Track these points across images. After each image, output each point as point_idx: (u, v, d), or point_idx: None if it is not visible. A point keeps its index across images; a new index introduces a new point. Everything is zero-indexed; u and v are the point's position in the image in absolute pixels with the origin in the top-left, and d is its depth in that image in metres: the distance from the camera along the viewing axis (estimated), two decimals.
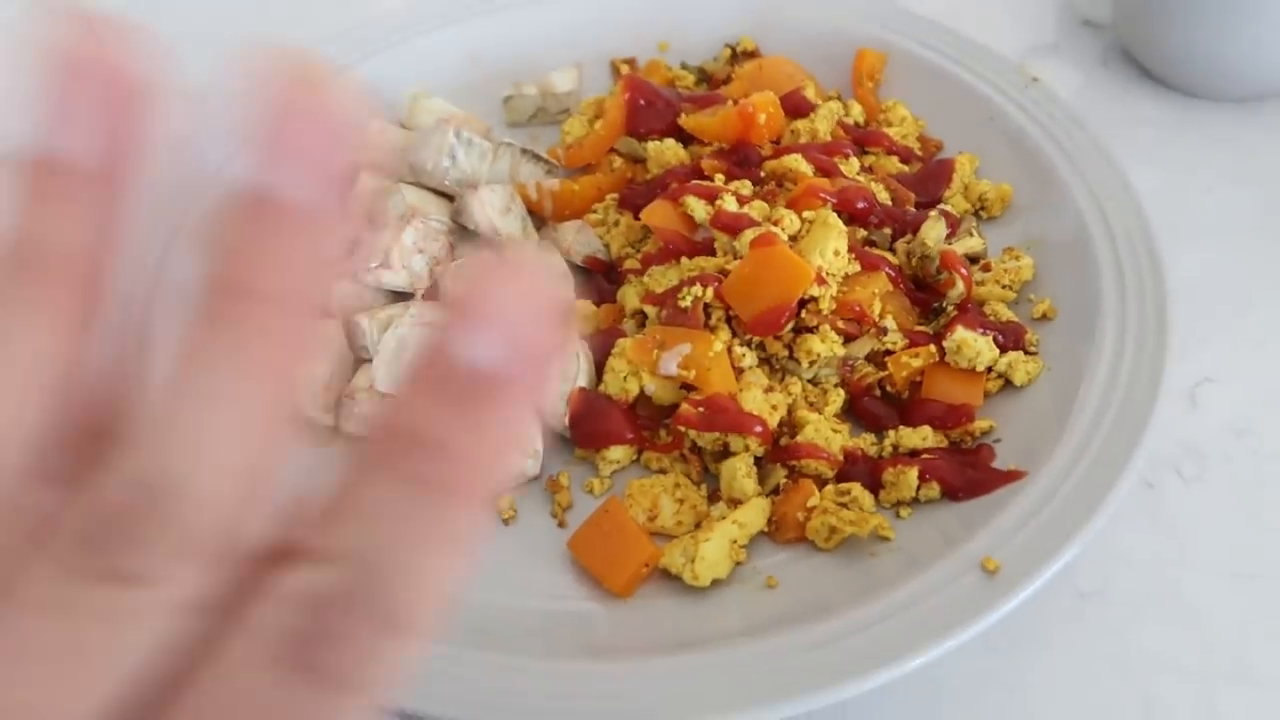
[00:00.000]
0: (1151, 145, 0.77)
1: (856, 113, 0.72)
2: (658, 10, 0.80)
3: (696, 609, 0.51)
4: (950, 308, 0.60)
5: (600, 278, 0.66)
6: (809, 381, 0.58)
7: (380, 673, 0.18)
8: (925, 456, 0.55)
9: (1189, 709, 0.49)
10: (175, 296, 0.65)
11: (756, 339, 0.57)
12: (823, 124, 0.69)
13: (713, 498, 0.55)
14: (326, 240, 0.19)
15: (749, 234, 0.57)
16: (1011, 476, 0.52)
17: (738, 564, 0.52)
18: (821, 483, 0.55)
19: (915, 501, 0.54)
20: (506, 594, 0.52)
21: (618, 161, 0.71)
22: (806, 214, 0.59)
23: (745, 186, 0.62)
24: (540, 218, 0.69)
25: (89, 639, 0.17)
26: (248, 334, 0.18)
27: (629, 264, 0.64)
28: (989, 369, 0.58)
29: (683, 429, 0.54)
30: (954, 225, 0.62)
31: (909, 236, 0.62)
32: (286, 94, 0.18)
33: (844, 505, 0.53)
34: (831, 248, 0.57)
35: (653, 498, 0.55)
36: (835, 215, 0.58)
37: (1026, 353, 0.59)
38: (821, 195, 0.59)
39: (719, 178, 0.63)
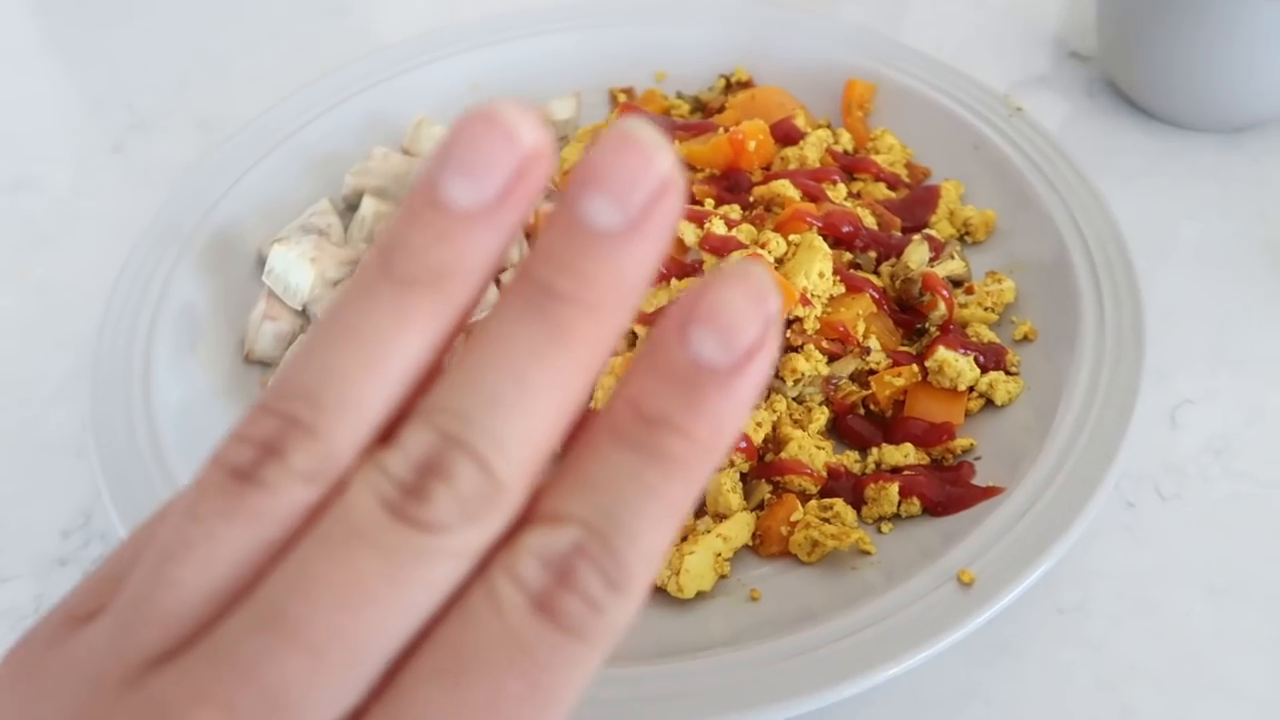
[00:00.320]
0: (1136, 174, 0.79)
1: (846, 140, 0.74)
2: (655, 41, 0.82)
3: (682, 620, 0.52)
4: (933, 329, 0.61)
5: None
6: (794, 399, 0.60)
7: (607, 628, 0.20)
8: (907, 473, 0.56)
9: None
10: (179, 316, 0.66)
11: None
12: (812, 151, 0.71)
13: (699, 512, 0.57)
14: (640, 263, 0.21)
15: (736, 256, 0.58)
16: (990, 492, 0.53)
17: (722, 577, 0.53)
18: (805, 498, 0.56)
19: (896, 517, 0.55)
20: None
21: None
22: (793, 237, 0.61)
23: (735, 211, 0.64)
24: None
25: (403, 575, 0.19)
26: (573, 336, 0.21)
27: None
28: (971, 388, 0.59)
29: None
30: (937, 249, 0.64)
31: (893, 260, 0.63)
32: (611, 139, 0.21)
33: (827, 520, 0.54)
34: (816, 270, 0.58)
35: None
36: (821, 239, 0.60)
37: (1008, 373, 0.60)
38: (808, 219, 0.61)
39: (709, 202, 0.65)
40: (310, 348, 0.21)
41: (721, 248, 0.60)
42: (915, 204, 0.70)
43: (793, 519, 0.54)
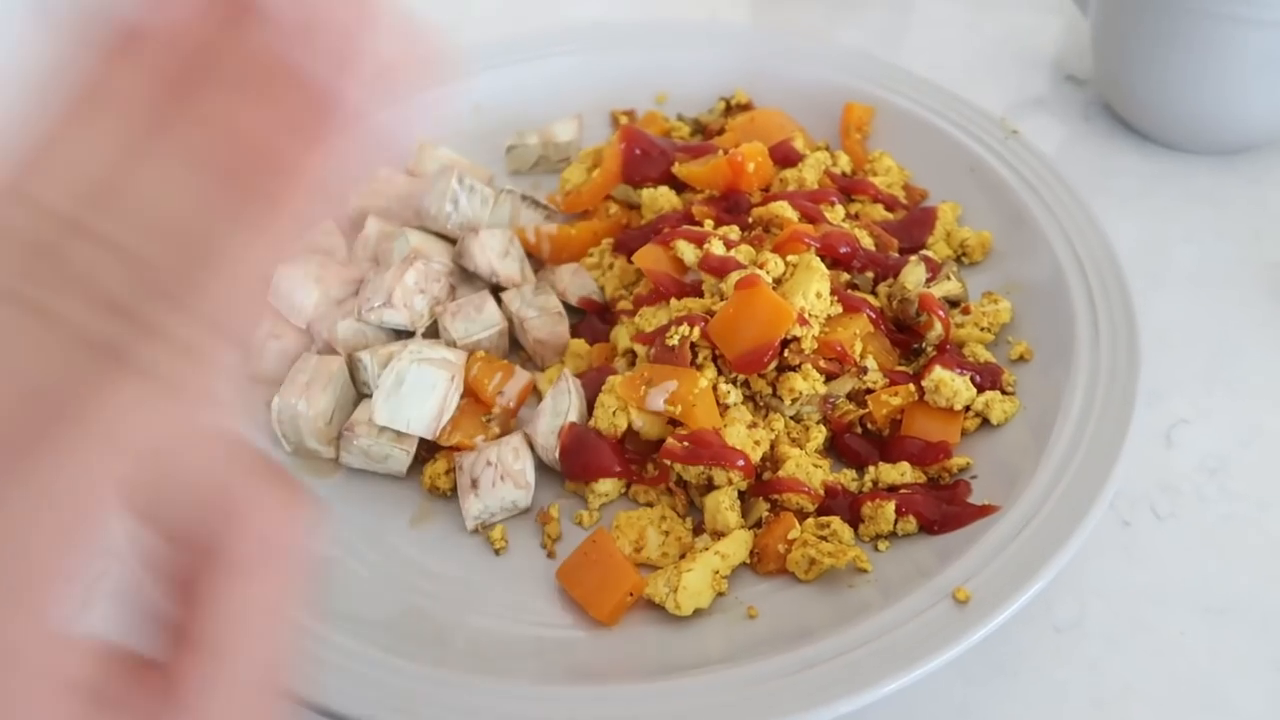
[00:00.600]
0: (1132, 196, 0.80)
1: (844, 162, 0.75)
2: (656, 64, 0.83)
3: (679, 637, 0.52)
4: (929, 348, 0.62)
5: (594, 318, 0.68)
6: (791, 418, 0.60)
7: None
8: (903, 492, 0.57)
9: None
10: None
11: (741, 377, 0.59)
12: (810, 173, 0.71)
13: (698, 530, 0.57)
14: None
15: (734, 276, 0.59)
16: (985, 511, 0.54)
17: (719, 594, 0.54)
18: (803, 516, 0.56)
19: (893, 535, 0.56)
20: (499, 620, 0.54)
21: (614, 208, 0.74)
22: (791, 258, 0.61)
23: (733, 231, 0.65)
24: (538, 260, 0.72)
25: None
26: None
27: (622, 305, 0.67)
28: (967, 408, 0.60)
29: (669, 462, 0.56)
30: (934, 270, 0.64)
31: (890, 280, 0.64)
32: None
33: (824, 538, 0.54)
34: (814, 290, 0.59)
35: (639, 529, 0.56)
36: (818, 259, 0.61)
37: (1004, 392, 0.61)
38: (805, 240, 0.62)
39: (708, 223, 0.66)
40: None
41: (720, 268, 0.60)
42: (912, 225, 0.71)
43: (790, 537, 0.54)
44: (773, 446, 0.58)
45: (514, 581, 0.56)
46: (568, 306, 0.68)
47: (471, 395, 0.62)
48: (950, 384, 0.59)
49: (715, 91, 0.83)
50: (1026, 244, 0.67)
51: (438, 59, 0.28)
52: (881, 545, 0.55)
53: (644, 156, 0.74)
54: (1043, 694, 0.52)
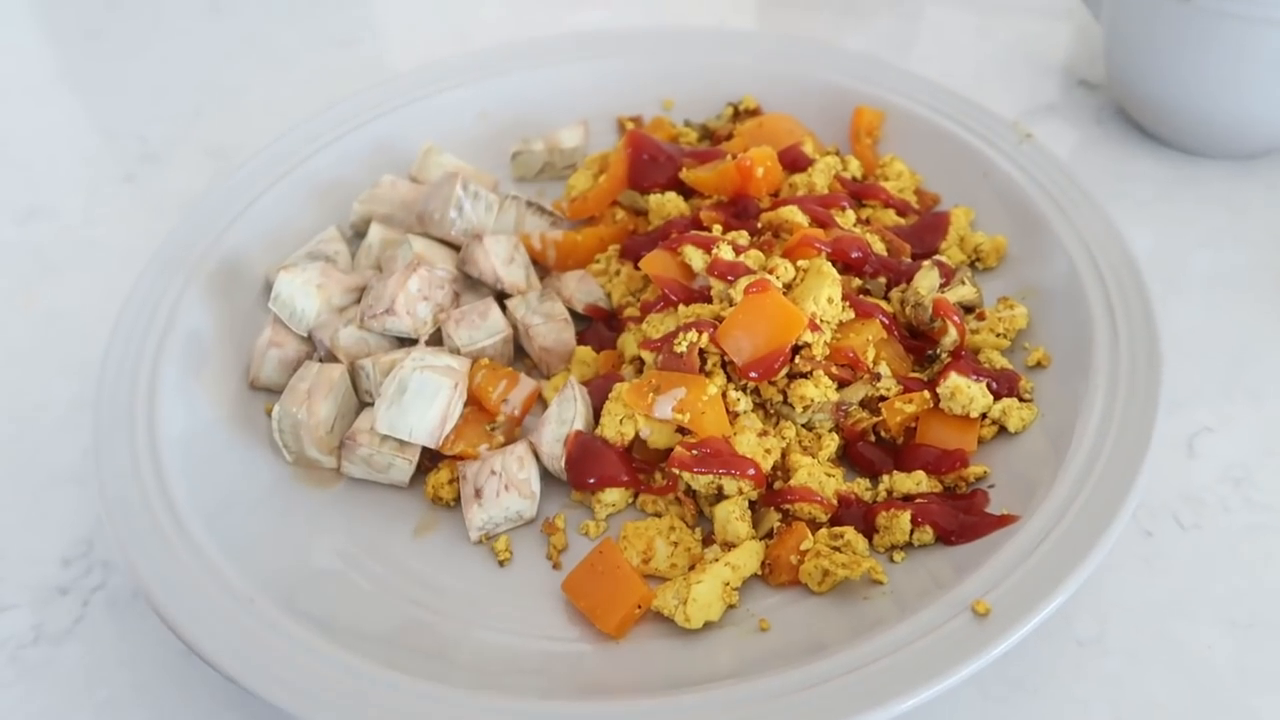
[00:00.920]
0: (1147, 201, 0.78)
1: (854, 167, 0.74)
2: (663, 70, 0.83)
3: (689, 651, 0.51)
4: (944, 355, 0.61)
5: (601, 325, 0.67)
6: (803, 426, 0.59)
7: None
8: (919, 501, 0.55)
9: None
10: (184, 342, 0.67)
11: (751, 384, 0.58)
12: (820, 178, 0.70)
13: (707, 541, 0.56)
14: None
15: (744, 281, 0.58)
16: (1004, 521, 0.52)
17: (730, 606, 0.52)
18: (815, 526, 0.55)
19: (909, 546, 0.54)
20: (502, 634, 0.52)
21: (620, 214, 0.73)
22: (801, 263, 0.60)
23: (743, 237, 0.64)
24: (544, 267, 0.71)
25: None
26: None
27: (629, 312, 0.65)
28: (983, 415, 0.58)
29: (677, 471, 0.55)
30: (948, 275, 0.63)
31: (903, 286, 0.63)
32: None
33: (837, 549, 0.53)
34: (825, 295, 0.58)
35: (647, 540, 0.55)
36: (829, 264, 0.59)
37: (1021, 399, 0.59)
38: (816, 245, 0.61)
39: (717, 228, 0.65)
40: None
41: (729, 273, 0.59)
42: (925, 230, 0.70)
43: (803, 548, 0.53)
44: (784, 455, 0.57)
45: (519, 594, 0.54)
46: (573, 313, 0.67)
47: (475, 403, 0.61)
48: (966, 391, 0.57)
49: (723, 97, 0.82)
50: (1042, 249, 0.66)
51: None
52: (897, 556, 0.54)
53: (651, 162, 0.72)
54: (1064, 711, 0.50)
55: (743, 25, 1.01)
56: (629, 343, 0.63)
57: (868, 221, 0.69)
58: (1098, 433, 0.54)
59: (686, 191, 0.72)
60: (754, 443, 0.56)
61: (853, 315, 0.59)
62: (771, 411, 0.59)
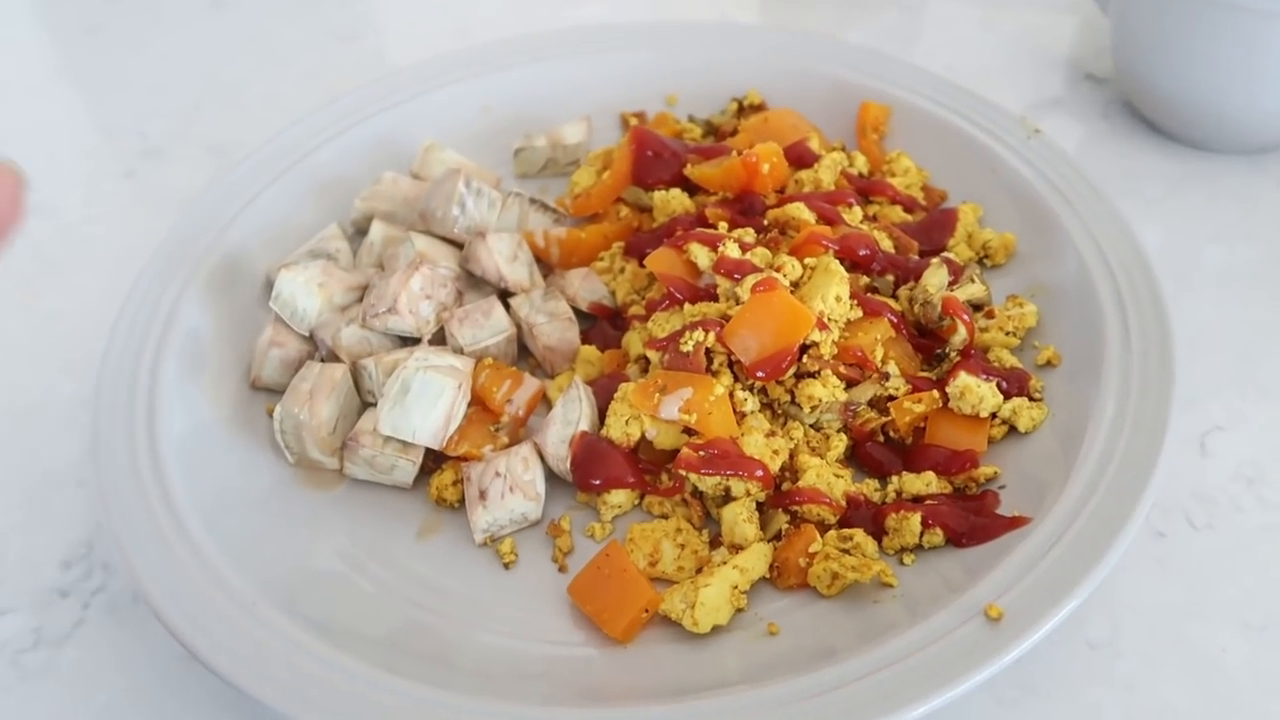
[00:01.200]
0: (1157, 197, 0.77)
1: (861, 163, 0.73)
2: (666, 65, 0.82)
3: (697, 655, 0.50)
4: (953, 353, 0.60)
5: (606, 324, 0.66)
6: (811, 426, 0.58)
7: None
8: (929, 502, 0.54)
9: None
10: (184, 341, 0.66)
11: (758, 384, 0.57)
12: (826, 174, 0.69)
13: (714, 543, 0.55)
14: None
15: (751, 279, 0.57)
16: (1016, 523, 0.52)
17: (739, 610, 0.52)
18: (824, 528, 0.54)
19: (919, 548, 0.53)
20: (507, 638, 0.52)
21: (624, 211, 0.72)
22: (808, 260, 0.59)
23: (749, 234, 0.63)
24: (547, 265, 0.70)
25: None
26: None
27: (634, 310, 0.65)
28: (993, 415, 0.58)
29: (684, 473, 0.54)
30: (956, 272, 0.62)
31: (911, 283, 0.62)
32: None
33: (846, 551, 0.52)
34: (833, 293, 0.57)
35: (654, 542, 0.54)
36: (837, 261, 0.59)
37: (1031, 399, 0.58)
38: (823, 242, 0.60)
39: (722, 225, 0.64)
40: None
41: (735, 271, 0.58)
42: (932, 227, 0.69)
43: (811, 550, 0.52)
44: (792, 456, 0.56)
45: (524, 597, 0.54)
46: (578, 312, 0.66)
47: (479, 404, 0.60)
48: (976, 390, 0.57)
49: (727, 92, 0.81)
50: (1051, 246, 0.65)
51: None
52: (907, 559, 0.53)
53: (655, 158, 0.72)
54: (1077, 714, 0.50)
55: (746, 19, 1.00)
56: (634, 342, 0.62)
57: (874, 218, 0.69)
58: (1110, 432, 0.53)
59: (691, 188, 0.71)
60: (761, 443, 0.55)
61: (861, 314, 0.59)
62: (779, 412, 0.58)
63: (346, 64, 0.96)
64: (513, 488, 0.56)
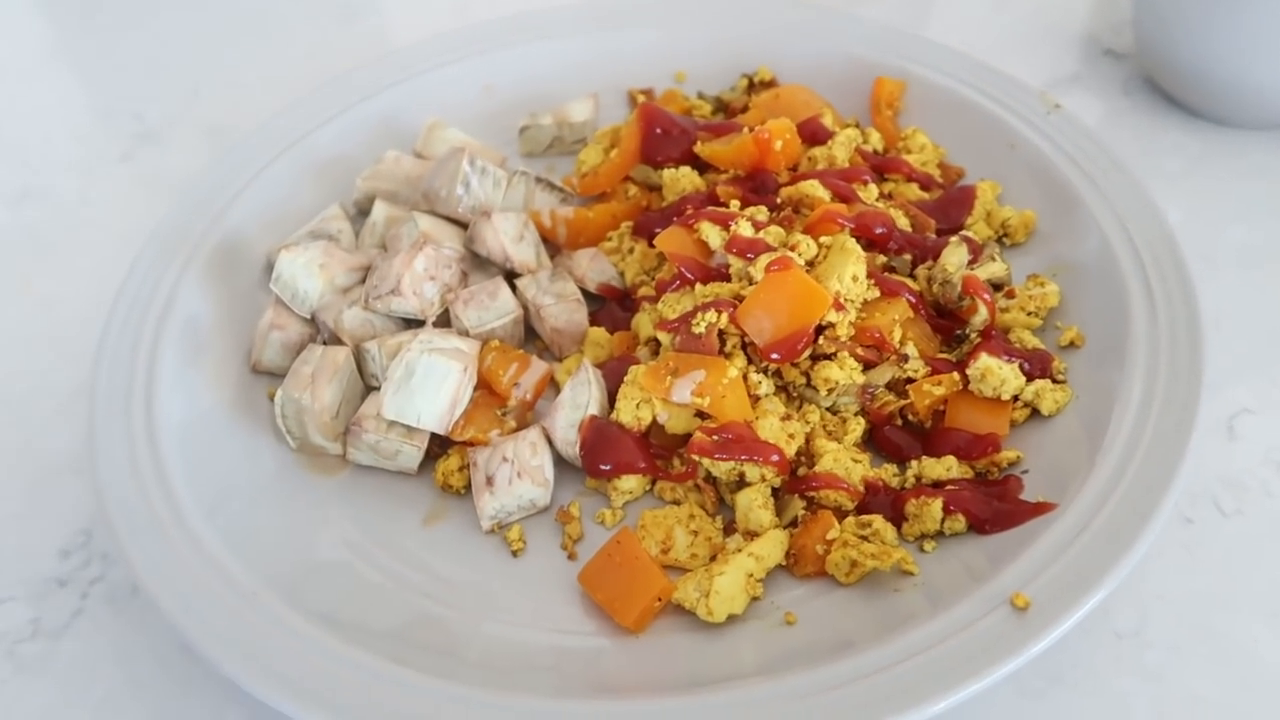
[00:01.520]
0: (1179, 174, 0.75)
1: (875, 140, 0.71)
2: (674, 41, 0.80)
3: (711, 646, 0.49)
4: (973, 334, 0.58)
5: (614, 305, 0.65)
6: (828, 410, 0.56)
7: None
8: (950, 488, 0.53)
9: None
10: (183, 326, 0.64)
11: (773, 366, 0.56)
12: (841, 151, 0.68)
13: (728, 530, 0.54)
14: None
15: (764, 259, 0.55)
16: (1041, 509, 0.50)
17: (754, 599, 0.50)
18: (841, 514, 0.53)
19: (940, 535, 0.52)
20: (515, 628, 0.50)
21: (633, 189, 0.71)
22: (824, 239, 0.58)
23: (761, 212, 0.61)
24: (554, 245, 0.68)
25: None
26: None
27: (643, 291, 0.63)
28: (1015, 398, 0.56)
29: (697, 458, 0.53)
30: (976, 251, 0.60)
31: (930, 262, 0.60)
32: None
33: (865, 538, 0.51)
34: (850, 273, 0.55)
35: (666, 529, 0.53)
36: (853, 240, 0.57)
37: (1054, 381, 0.57)
38: (839, 220, 0.58)
39: (734, 204, 0.62)
40: None
41: (749, 250, 0.57)
42: (950, 205, 0.67)
43: (829, 537, 0.51)
44: (808, 440, 0.55)
45: (532, 585, 0.52)
46: (586, 293, 0.64)
47: (485, 387, 0.58)
48: (997, 372, 0.55)
49: (737, 68, 0.79)
50: (1073, 223, 0.63)
51: None
52: (927, 546, 0.51)
53: (664, 135, 0.70)
54: (1103, 706, 0.48)
55: None
56: (644, 323, 0.61)
57: (890, 196, 0.67)
58: (1137, 416, 0.51)
59: (701, 166, 0.69)
60: (776, 427, 0.53)
61: (878, 294, 0.57)
62: (794, 395, 0.56)
63: (347, 44, 0.94)
64: (520, 473, 0.54)
